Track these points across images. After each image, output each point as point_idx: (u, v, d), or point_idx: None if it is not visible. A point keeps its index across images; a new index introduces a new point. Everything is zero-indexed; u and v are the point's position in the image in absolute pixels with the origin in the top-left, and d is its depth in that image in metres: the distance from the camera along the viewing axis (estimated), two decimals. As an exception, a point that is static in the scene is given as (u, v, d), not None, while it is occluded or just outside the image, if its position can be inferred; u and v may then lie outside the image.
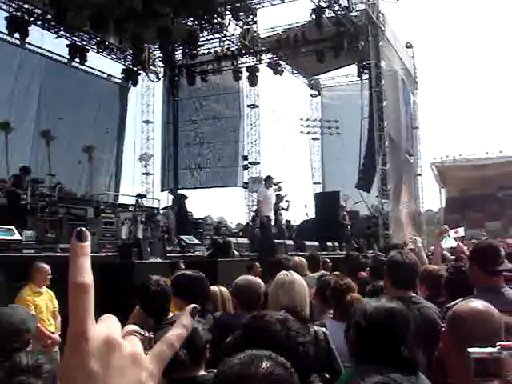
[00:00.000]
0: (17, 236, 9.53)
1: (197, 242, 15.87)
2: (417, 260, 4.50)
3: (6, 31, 21.15)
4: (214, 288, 5.37)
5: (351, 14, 22.61)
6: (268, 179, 15.83)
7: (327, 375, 3.24)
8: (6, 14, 20.89)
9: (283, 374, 1.41)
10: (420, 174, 30.88)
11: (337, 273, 7.65)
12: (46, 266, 7.37)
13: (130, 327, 0.77)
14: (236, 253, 13.66)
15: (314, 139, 32.30)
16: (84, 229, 0.75)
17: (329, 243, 17.94)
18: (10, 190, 13.08)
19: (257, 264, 9.68)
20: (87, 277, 0.71)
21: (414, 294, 4.22)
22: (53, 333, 7.32)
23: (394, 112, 23.30)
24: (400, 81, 25.11)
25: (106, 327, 0.73)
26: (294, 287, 3.72)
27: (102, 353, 0.69)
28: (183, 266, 8.57)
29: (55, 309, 7.48)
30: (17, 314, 3.27)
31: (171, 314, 4.53)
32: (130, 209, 19.23)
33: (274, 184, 16.24)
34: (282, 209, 19.06)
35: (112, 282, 7.90)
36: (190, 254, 14.20)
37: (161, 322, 4.31)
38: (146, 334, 0.77)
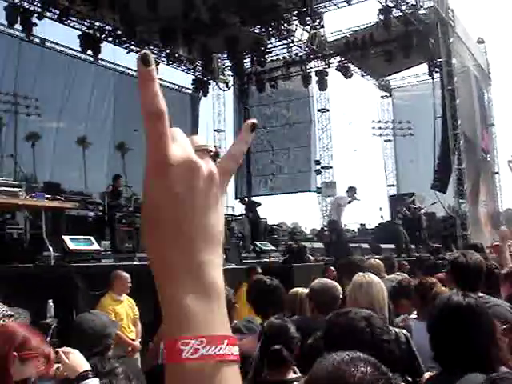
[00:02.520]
0: (95, 246, 9.75)
1: (272, 247, 15.87)
2: (482, 261, 4.34)
3: (79, 49, 21.78)
4: (297, 290, 5.34)
5: (419, 12, 22.25)
6: (351, 189, 15.82)
7: (409, 378, 3.17)
8: (79, 33, 21.52)
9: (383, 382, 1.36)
10: (497, 172, 30.04)
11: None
12: (126, 275, 7.48)
13: (197, 140, 0.78)
14: (311, 258, 13.61)
15: (386, 141, 31.90)
16: (148, 52, 0.72)
17: (404, 245, 17.64)
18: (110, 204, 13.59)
19: (331, 268, 9.62)
20: (160, 103, 0.72)
21: (481, 294, 4.07)
22: (133, 340, 7.44)
23: (468, 110, 22.77)
24: (473, 77, 24.53)
25: (182, 149, 0.74)
26: (372, 289, 3.66)
27: (186, 176, 0.72)
28: (260, 271, 8.58)
29: (136, 316, 7.60)
30: (98, 320, 3.34)
31: (235, 321, 4.47)
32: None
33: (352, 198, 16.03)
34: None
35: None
36: (265, 259, 14.21)
37: None
38: (213, 149, 0.80)
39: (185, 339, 0.69)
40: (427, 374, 2.93)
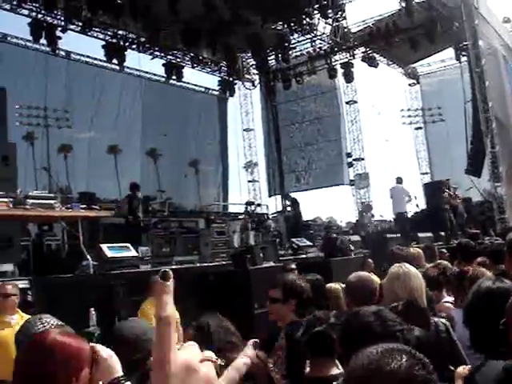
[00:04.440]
0: (133, 252, 9.84)
1: (308, 243, 15.84)
2: None
3: (104, 58, 22.01)
4: (330, 286, 5.33)
5: (442, -4, 22.07)
6: (398, 178, 17.97)
7: (451, 367, 3.13)
8: (103, 43, 21.73)
9: (423, 372, 1.36)
10: (533, 153, 29.54)
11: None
12: (164, 279, 7.55)
13: (207, 353, 0.90)
14: (352, 248, 13.58)
15: (417, 129, 31.61)
16: (167, 270, 0.92)
17: (442, 233, 17.48)
18: (124, 214, 13.58)
19: (369, 260, 9.58)
20: (169, 311, 0.92)
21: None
22: (175, 344, 7.49)
23: (499, 91, 22.42)
24: (501, 58, 24.13)
25: (186, 353, 0.88)
26: (410, 279, 3.64)
27: (182, 375, 0.86)
28: (294, 266, 8.57)
29: (176, 320, 7.64)
30: (138, 326, 3.37)
31: None
32: (240, 217, 19.48)
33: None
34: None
35: (228, 290, 8.02)
36: (302, 256, 14.19)
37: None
38: (219, 361, 0.93)
39: None
40: (461, 368, 2.89)
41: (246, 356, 0.81)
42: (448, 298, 5.16)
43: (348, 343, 1.59)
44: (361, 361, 1.40)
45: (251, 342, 0.81)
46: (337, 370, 3.14)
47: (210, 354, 0.93)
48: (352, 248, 14.17)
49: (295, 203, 20.46)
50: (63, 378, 1.95)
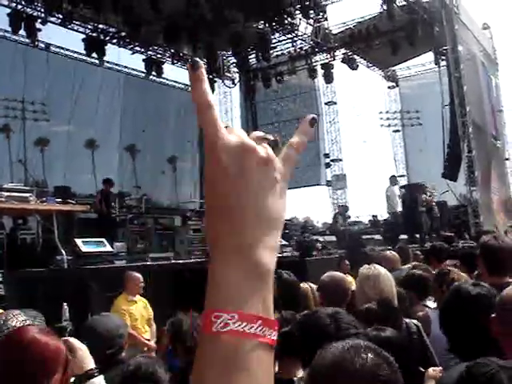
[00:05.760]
0: (108, 248, 9.80)
1: (284, 242, 15.86)
2: None
3: (84, 52, 21.85)
4: (304, 285, 5.34)
5: (423, 0, 22.16)
6: (393, 178, 18.92)
7: (422, 369, 3.15)
8: (83, 36, 21.56)
9: (387, 371, 1.34)
10: (508, 159, 29.77)
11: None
12: (138, 275, 7.54)
13: (257, 133, 0.80)
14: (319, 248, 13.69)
15: (395, 131, 31.75)
16: (196, 59, 0.79)
17: (418, 235, 17.61)
18: (98, 208, 13.51)
19: (345, 261, 9.63)
20: (209, 97, 0.77)
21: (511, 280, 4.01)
22: (148, 340, 7.48)
23: (476, 96, 22.62)
24: (479, 64, 24.36)
25: (237, 136, 0.78)
26: (379, 280, 3.66)
27: (238, 156, 0.75)
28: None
29: (150, 316, 7.64)
30: (111, 321, 3.36)
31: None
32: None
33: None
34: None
35: (204, 287, 8.00)
36: (278, 254, 14.20)
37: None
38: (272, 138, 0.82)
39: (218, 312, 0.73)
40: (431, 370, 2.91)
41: (301, 133, 0.70)
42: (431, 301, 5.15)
43: (304, 343, 1.60)
44: (325, 357, 1.39)
45: (309, 117, 0.69)
46: (301, 372, 3.14)
47: (259, 133, 0.80)
48: (319, 247, 14.26)
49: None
50: (39, 378, 1.91)
